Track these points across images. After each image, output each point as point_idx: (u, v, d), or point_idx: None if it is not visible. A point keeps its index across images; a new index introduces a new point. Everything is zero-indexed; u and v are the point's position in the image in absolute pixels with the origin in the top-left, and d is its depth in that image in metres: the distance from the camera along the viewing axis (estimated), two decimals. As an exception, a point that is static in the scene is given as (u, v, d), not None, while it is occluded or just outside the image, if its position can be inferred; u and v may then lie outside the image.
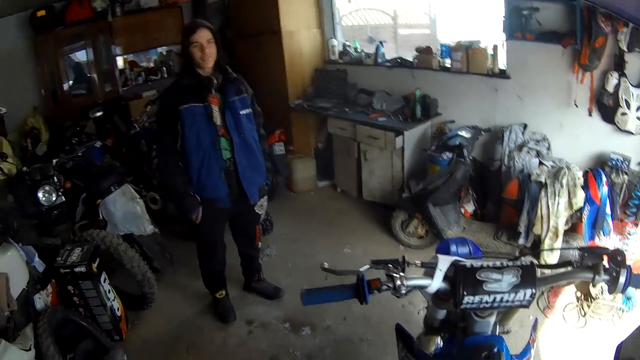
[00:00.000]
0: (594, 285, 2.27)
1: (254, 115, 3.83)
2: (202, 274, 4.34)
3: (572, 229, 4.24)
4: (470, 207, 5.12)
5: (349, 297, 1.69)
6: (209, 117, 3.53)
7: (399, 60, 6.09)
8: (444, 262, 1.68)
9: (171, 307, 4.57)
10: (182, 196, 3.69)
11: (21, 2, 6.65)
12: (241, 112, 3.64)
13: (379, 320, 4.02)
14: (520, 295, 1.55)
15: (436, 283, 1.67)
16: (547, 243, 4.05)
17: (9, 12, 6.93)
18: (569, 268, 1.74)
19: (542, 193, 4.12)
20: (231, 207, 3.81)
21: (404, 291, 1.67)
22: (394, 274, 1.68)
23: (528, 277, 1.55)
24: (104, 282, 3.90)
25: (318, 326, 4.07)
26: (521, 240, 4.34)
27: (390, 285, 1.66)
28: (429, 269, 1.73)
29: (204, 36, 3.42)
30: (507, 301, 1.56)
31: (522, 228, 4.33)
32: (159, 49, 8.98)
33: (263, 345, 3.99)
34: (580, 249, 1.75)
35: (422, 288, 1.71)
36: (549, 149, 4.76)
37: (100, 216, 4.62)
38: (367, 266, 1.77)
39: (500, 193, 4.75)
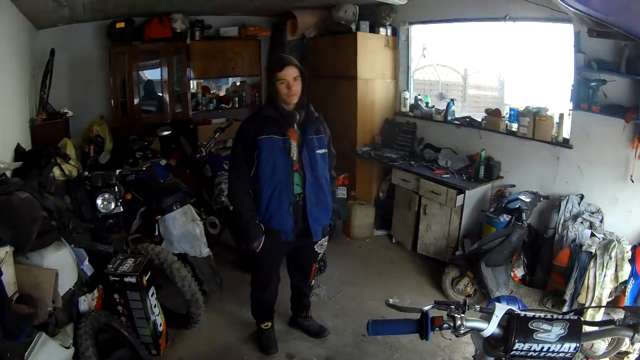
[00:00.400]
0: (632, 343, 2.66)
1: (329, 155, 4.10)
2: (251, 302, 4.59)
3: (614, 302, 4.47)
4: (520, 272, 5.38)
5: (412, 332, 2.00)
6: (287, 151, 3.78)
7: (467, 120, 6.53)
8: (500, 309, 1.94)
9: (214, 331, 4.90)
10: (247, 223, 3.92)
11: (101, 12, 7.15)
12: (317, 151, 3.90)
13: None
14: (565, 347, 1.80)
15: (491, 327, 1.92)
16: (589, 313, 4.25)
17: (89, 19, 7.52)
18: (612, 326, 1.98)
19: (591, 263, 4.46)
20: (293, 242, 4.03)
21: (462, 331, 1.94)
22: (456, 315, 1.95)
23: (574, 331, 1.80)
24: (152, 296, 4.20)
25: (357, 371, 4.37)
26: (565, 308, 4.59)
27: (451, 324, 1.94)
28: (486, 315, 1.98)
29: (291, 73, 3.71)
30: (553, 352, 1.80)
31: (567, 296, 4.61)
32: (233, 79, 9.49)
33: (301, 381, 4.34)
34: (625, 308, 2.09)
35: (478, 330, 1.95)
36: (602, 221, 5.05)
37: (157, 232, 4.98)
38: (431, 305, 2.06)
39: (550, 260, 5.05)
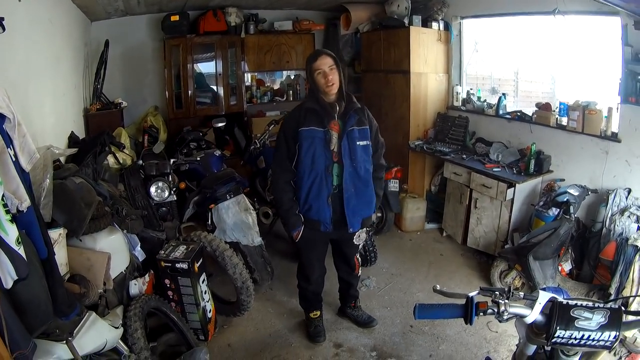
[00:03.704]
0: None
1: (376, 145, 4.22)
2: (299, 292, 4.80)
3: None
4: (567, 266, 5.44)
5: (457, 316, 2.11)
6: (327, 143, 3.94)
7: (518, 114, 6.66)
8: (543, 297, 2.03)
9: (263, 319, 5.13)
10: (287, 212, 4.12)
11: (156, 5, 7.54)
12: (358, 143, 4.02)
13: (463, 362, 4.48)
14: (605, 335, 1.85)
15: (534, 314, 2.01)
16: (633, 307, 4.25)
17: (143, 11, 7.93)
18: (653, 316, 2.02)
19: (637, 257, 4.55)
20: (331, 232, 4.20)
21: (506, 317, 2.04)
22: (500, 300, 2.06)
23: (614, 319, 1.86)
24: (202, 282, 4.41)
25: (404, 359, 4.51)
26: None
27: (495, 309, 2.04)
28: (529, 302, 2.06)
29: (326, 63, 3.88)
30: (593, 340, 1.87)
31: (612, 289, 4.64)
32: (287, 72, 9.79)
33: (347, 370, 4.52)
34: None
35: (521, 317, 2.05)
36: (649, 215, 5.12)
37: (209, 220, 5.19)
38: (476, 292, 2.18)
39: (597, 254, 5.09)
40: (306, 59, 4.04)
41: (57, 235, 3.08)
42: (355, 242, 4.44)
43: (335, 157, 4.00)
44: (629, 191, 5.25)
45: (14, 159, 2.31)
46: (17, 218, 2.24)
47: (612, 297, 4.58)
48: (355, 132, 4.00)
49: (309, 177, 3.99)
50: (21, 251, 2.19)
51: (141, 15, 8.19)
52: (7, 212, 2.13)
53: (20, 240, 2.19)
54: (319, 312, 4.83)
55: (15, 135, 2.37)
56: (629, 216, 5.04)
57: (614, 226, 5.07)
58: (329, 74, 3.86)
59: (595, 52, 5.70)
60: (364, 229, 4.38)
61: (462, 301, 2.12)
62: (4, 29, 2.56)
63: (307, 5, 8.86)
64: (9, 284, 2.14)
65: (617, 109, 5.39)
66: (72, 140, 5.09)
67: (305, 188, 4.03)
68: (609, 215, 5.16)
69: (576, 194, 5.36)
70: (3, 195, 2.12)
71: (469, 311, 2.06)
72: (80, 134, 5.63)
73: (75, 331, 2.84)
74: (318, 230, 4.15)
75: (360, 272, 4.92)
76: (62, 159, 4.12)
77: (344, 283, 4.92)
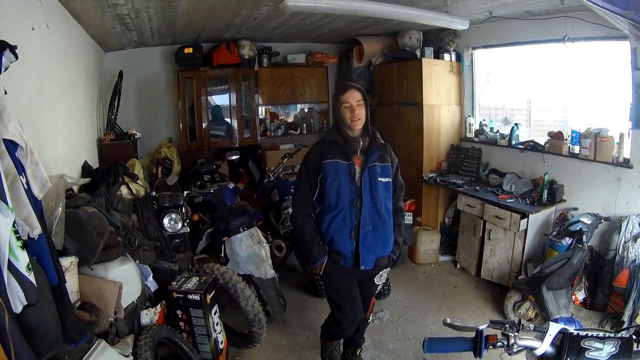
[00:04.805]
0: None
1: (395, 186, 4.11)
2: (324, 323, 4.48)
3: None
4: (581, 295, 5.41)
5: (467, 349, 2.13)
6: (351, 176, 3.85)
7: (531, 144, 6.73)
8: (554, 328, 2.03)
9: (275, 351, 5.11)
10: (310, 243, 3.95)
11: (169, 37, 7.65)
12: (380, 179, 3.91)
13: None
14: None
15: (544, 346, 2.01)
16: None
17: (156, 43, 8.08)
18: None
19: None
20: (353, 269, 3.98)
21: (515, 349, 2.06)
22: (510, 333, 2.07)
23: (626, 349, 1.86)
24: (214, 314, 4.39)
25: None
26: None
27: (505, 342, 2.06)
28: (540, 334, 2.07)
29: (354, 97, 3.82)
30: None
31: (626, 317, 4.68)
32: (301, 105, 9.88)
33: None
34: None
35: (531, 349, 2.06)
36: (662, 241, 5.09)
37: (222, 253, 5.20)
38: (487, 325, 2.19)
39: (611, 282, 5.09)
40: (335, 91, 4.02)
41: (68, 263, 3.15)
42: (376, 282, 4.26)
43: (358, 192, 3.90)
44: (643, 217, 5.21)
45: (26, 187, 2.37)
46: (28, 245, 2.29)
47: (625, 325, 4.60)
48: (377, 168, 3.93)
49: (333, 210, 3.90)
50: (31, 277, 2.24)
51: (155, 47, 8.36)
52: (18, 238, 2.18)
53: (30, 266, 2.24)
54: (337, 342, 4.60)
55: (28, 163, 2.42)
56: (642, 243, 5.01)
57: (627, 253, 5.06)
58: (355, 109, 3.83)
59: (606, 78, 5.75)
60: (387, 269, 4.23)
61: (472, 334, 2.15)
62: (17, 57, 2.61)
63: (319, 38, 8.92)
64: (18, 308, 2.18)
65: (629, 134, 5.43)
66: (86, 169, 5.17)
67: (327, 220, 3.94)
68: (622, 242, 5.15)
69: (589, 222, 5.36)
70: (15, 222, 2.17)
71: (478, 344, 2.09)
72: (94, 163, 5.75)
73: (84, 358, 2.88)
74: (340, 265, 3.98)
75: (371, 315, 4.79)
76: (75, 189, 4.16)
77: None
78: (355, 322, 4.28)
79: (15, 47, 2.58)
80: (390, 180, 4.03)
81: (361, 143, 3.93)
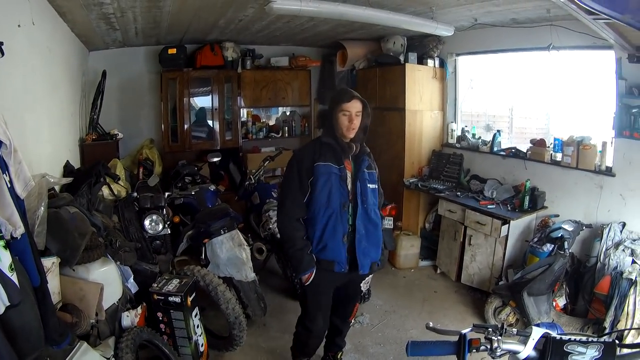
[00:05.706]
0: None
1: (378, 193, 4.14)
2: (295, 338, 4.51)
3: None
4: (561, 301, 5.45)
5: (450, 353, 2.12)
6: (342, 180, 3.83)
7: (513, 150, 6.81)
8: (536, 332, 2.04)
9: (255, 354, 5.11)
10: (300, 252, 3.84)
11: (153, 37, 7.63)
12: (369, 185, 3.92)
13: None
14: None
15: (527, 350, 2.02)
16: (628, 340, 3.97)
17: (141, 43, 8.07)
18: (646, 347, 2.03)
19: (632, 290, 4.61)
20: (344, 274, 3.95)
21: (499, 353, 2.06)
22: (493, 337, 2.07)
23: (609, 353, 1.87)
24: (195, 316, 4.37)
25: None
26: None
27: (488, 346, 2.07)
28: (523, 338, 2.07)
29: (355, 107, 3.79)
30: None
31: (607, 323, 4.69)
32: (282, 108, 9.92)
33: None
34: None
35: (514, 353, 2.06)
36: (644, 248, 5.16)
37: (203, 255, 5.17)
38: (470, 328, 2.16)
39: (592, 289, 5.15)
40: (334, 95, 3.98)
41: (50, 263, 3.12)
42: (362, 287, 4.33)
43: (350, 196, 3.90)
44: (624, 225, 5.36)
45: (9, 185, 2.34)
46: (10, 244, 2.27)
47: (606, 331, 4.63)
48: (366, 175, 3.94)
49: (324, 214, 3.84)
50: (14, 278, 2.22)
51: (139, 47, 8.32)
52: (1, 237, 2.17)
53: (13, 266, 2.21)
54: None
55: (11, 161, 2.38)
56: (623, 250, 5.12)
57: (609, 260, 5.15)
58: (354, 119, 3.79)
59: (590, 87, 5.85)
60: (371, 274, 4.32)
61: (455, 338, 2.14)
62: (2, 53, 2.59)
63: (304, 41, 8.92)
64: (1, 309, 2.15)
65: (612, 143, 5.51)
66: (67, 169, 5.14)
67: (319, 226, 3.87)
68: (604, 249, 5.24)
69: (570, 229, 5.42)
70: (-3, 221, 2.14)
71: (461, 348, 2.09)
72: (76, 163, 5.70)
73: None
74: (331, 272, 3.92)
75: (353, 319, 4.88)
76: (57, 188, 4.10)
77: (334, 329, 4.63)
78: (322, 334, 4.37)
79: (2, 43, 2.57)
80: (376, 186, 4.06)
81: (354, 148, 3.93)
